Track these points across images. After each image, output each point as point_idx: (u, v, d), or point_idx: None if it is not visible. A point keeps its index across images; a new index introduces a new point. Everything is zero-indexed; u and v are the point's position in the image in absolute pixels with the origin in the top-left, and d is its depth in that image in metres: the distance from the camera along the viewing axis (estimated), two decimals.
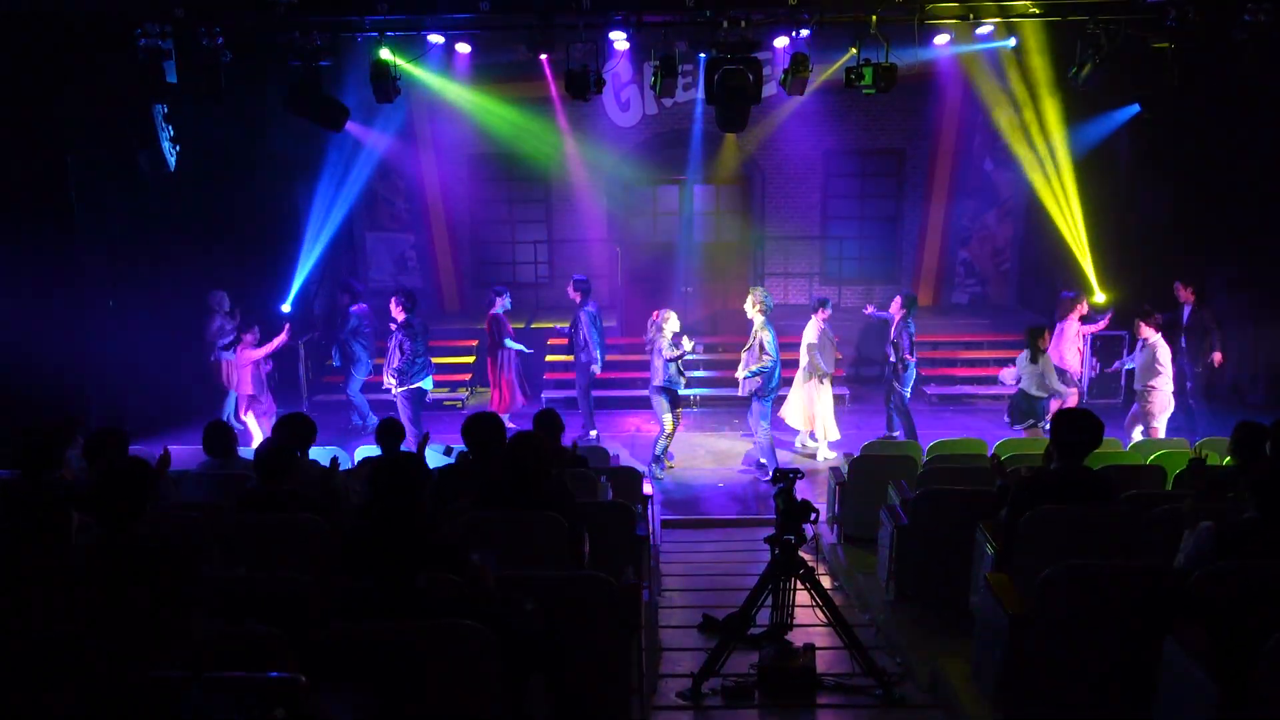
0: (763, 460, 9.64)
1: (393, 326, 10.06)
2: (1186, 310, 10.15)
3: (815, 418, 10.23)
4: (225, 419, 10.12)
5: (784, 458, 9.94)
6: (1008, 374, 9.37)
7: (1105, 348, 11.70)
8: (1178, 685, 3.52)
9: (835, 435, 10.30)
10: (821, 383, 10.13)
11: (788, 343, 10.02)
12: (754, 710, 4.62)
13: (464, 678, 2.93)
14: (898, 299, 10.20)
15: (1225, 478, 4.71)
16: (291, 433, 5.58)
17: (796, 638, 4.92)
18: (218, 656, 2.44)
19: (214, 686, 1.99)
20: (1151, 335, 9.07)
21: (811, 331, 10.08)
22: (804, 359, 10.10)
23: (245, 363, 10.05)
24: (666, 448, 9.68)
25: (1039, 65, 12.18)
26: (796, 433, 10.56)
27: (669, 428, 9.53)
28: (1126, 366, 10.04)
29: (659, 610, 5.95)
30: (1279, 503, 3.69)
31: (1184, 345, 10.07)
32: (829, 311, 10.18)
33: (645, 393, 9.99)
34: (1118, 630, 3.88)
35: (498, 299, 10.75)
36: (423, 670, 2.90)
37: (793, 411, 10.35)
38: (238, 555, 4.13)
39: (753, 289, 9.53)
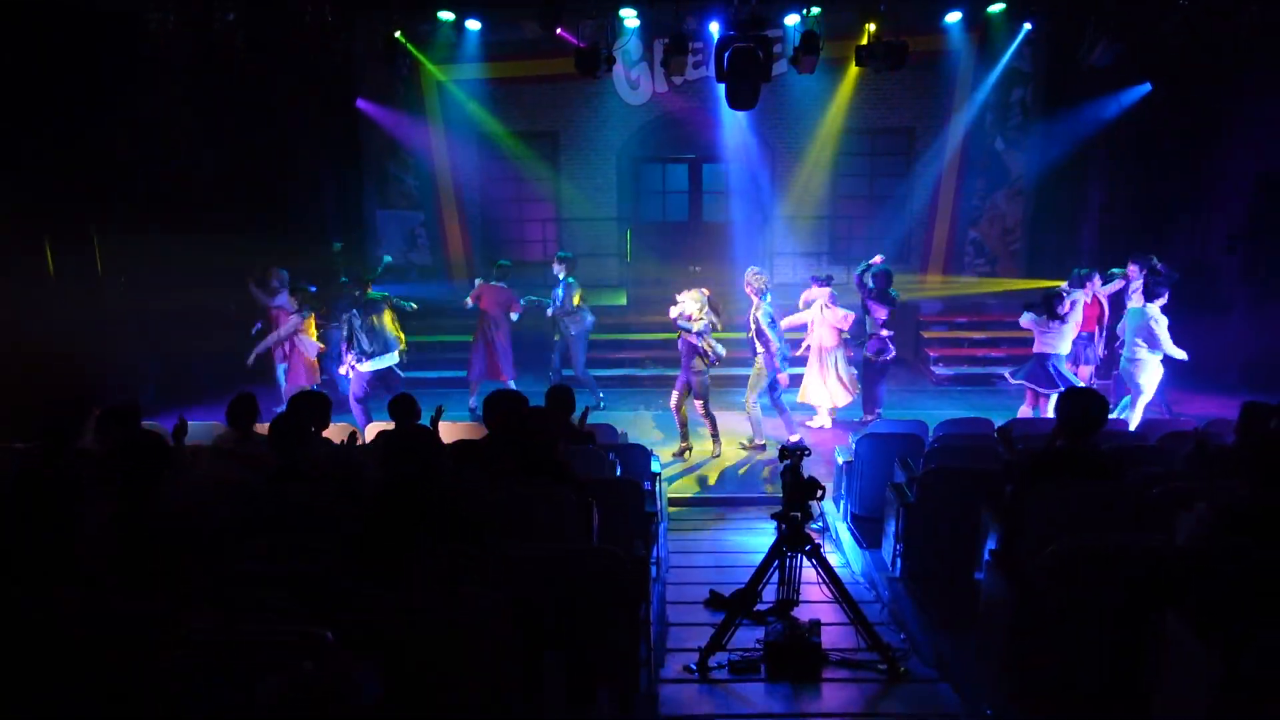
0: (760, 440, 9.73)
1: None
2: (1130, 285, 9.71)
3: (829, 389, 10.24)
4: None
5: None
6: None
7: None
8: (1180, 662, 3.56)
9: (845, 399, 10.32)
10: (831, 354, 10.18)
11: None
12: (760, 683, 4.68)
13: (482, 650, 2.97)
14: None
15: (1230, 457, 4.73)
16: (305, 411, 5.61)
17: (803, 614, 4.97)
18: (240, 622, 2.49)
19: (241, 640, 2.03)
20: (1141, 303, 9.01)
21: (817, 307, 10.12)
22: (816, 335, 10.15)
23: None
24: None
25: (1050, 44, 12.09)
26: (814, 411, 10.57)
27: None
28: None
29: (666, 586, 6.01)
30: (1275, 482, 3.71)
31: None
32: (829, 288, 10.17)
33: (647, 372, 9.93)
34: (1121, 607, 3.92)
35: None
36: (441, 642, 2.94)
37: (812, 389, 10.35)
38: (261, 529, 4.17)
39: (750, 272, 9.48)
